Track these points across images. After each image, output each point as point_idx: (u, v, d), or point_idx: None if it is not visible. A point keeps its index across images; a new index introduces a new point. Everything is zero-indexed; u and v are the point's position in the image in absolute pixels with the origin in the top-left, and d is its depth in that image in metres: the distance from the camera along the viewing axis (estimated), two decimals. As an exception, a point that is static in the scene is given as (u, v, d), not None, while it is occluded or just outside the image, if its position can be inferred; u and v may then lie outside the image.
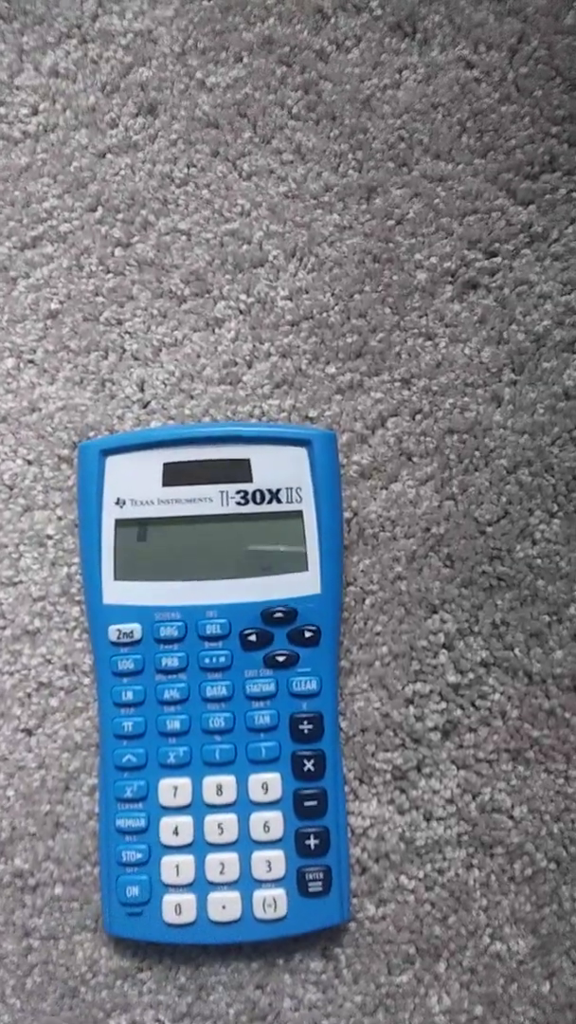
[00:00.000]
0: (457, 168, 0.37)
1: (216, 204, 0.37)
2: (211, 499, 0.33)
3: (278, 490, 0.33)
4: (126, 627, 0.33)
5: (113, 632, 0.32)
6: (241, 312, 0.36)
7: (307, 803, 0.32)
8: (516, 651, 0.35)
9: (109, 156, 0.37)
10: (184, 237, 0.37)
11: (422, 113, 0.37)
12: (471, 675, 0.34)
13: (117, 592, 0.33)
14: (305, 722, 0.32)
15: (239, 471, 0.33)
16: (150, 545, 0.33)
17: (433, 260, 0.37)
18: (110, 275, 0.36)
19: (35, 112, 0.37)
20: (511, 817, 0.34)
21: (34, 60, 0.37)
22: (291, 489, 0.33)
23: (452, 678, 0.34)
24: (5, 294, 0.36)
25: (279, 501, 0.33)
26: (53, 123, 0.37)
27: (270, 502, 0.33)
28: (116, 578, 0.33)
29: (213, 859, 0.32)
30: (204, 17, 0.38)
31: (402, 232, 0.37)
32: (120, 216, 0.37)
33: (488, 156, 0.37)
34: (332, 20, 0.38)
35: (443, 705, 0.34)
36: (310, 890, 0.32)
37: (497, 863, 0.34)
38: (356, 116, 0.37)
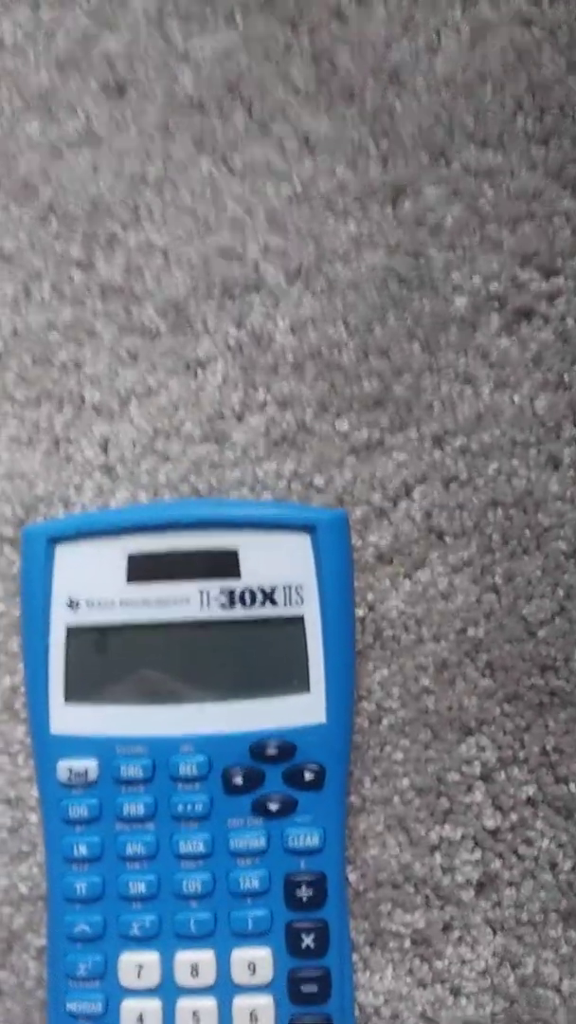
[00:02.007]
0: (510, 159, 0.29)
1: (200, 212, 0.29)
2: (188, 600, 0.26)
3: (273, 589, 0.26)
4: (79, 764, 0.26)
5: (63, 770, 0.26)
6: (230, 350, 0.29)
7: (305, 987, 0.26)
8: (572, 786, 0.28)
9: (66, 152, 0.29)
10: (160, 255, 0.29)
11: (466, 87, 0.29)
12: (514, 816, 0.27)
13: (68, 718, 0.26)
14: (304, 885, 0.26)
15: (224, 565, 0.26)
16: (110, 658, 0.26)
17: (476, 281, 0.29)
18: (66, 305, 0.29)
19: (-26, 94, 0.29)
20: (559, 992, 0.27)
21: (-28, 26, 0.30)
22: (290, 588, 0.26)
23: (490, 820, 0.27)
24: None
25: (274, 603, 0.26)
26: (-4, 108, 0.29)
27: (263, 604, 0.26)
28: (68, 700, 0.26)
29: (187, 1053, 0.26)
30: (186, -34, 0.29)
31: (437, 245, 0.29)
32: (79, 229, 0.29)
33: (550, 143, 0.29)
34: (350, -33, 0.29)
35: (478, 854, 0.27)
36: None
37: (543, 1054, 0.27)
38: (380, 93, 0.29)
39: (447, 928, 0.27)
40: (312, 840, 0.26)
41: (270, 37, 0.29)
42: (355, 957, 0.27)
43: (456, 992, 0.27)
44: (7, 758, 0.28)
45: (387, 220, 0.29)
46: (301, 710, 0.26)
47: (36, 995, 0.27)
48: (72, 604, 0.26)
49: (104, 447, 0.29)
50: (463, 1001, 0.27)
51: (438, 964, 0.27)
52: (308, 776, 0.26)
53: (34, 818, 0.28)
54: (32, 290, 0.29)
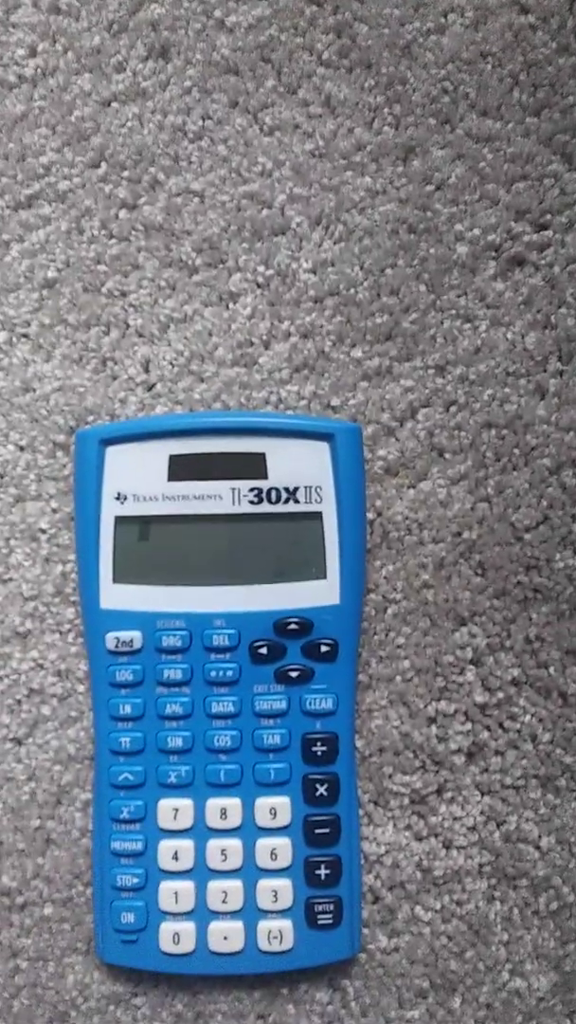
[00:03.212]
0: (507, 127, 0.33)
1: (234, 162, 0.33)
2: (221, 496, 0.30)
3: (296, 488, 0.30)
4: (125, 635, 0.30)
5: (111, 640, 0.30)
6: (259, 286, 0.33)
7: (318, 830, 0.30)
8: (551, 669, 0.32)
9: (115, 105, 0.33)
10: (197, 199, 0.33)
11: (469, 63, 0.33)
12: (500, 694, 0.32)
13: (116, 596, 0.30)
14: (318, 743, 0.30)
15: (253, 466, 0.30)
16: (153, 545, 0.30)
17: (476, 232, 0.33)
18: (114, 240, 0.33)
19: (33, 54, 0.33)
20: (537, 848, 0.31)
21: (33, -8, 0.33)
22: (310, 488, 0.30)
23: (479, 697, 0.32)
24: (-2, 259, 0.33)
25: (296, 501, 0.30)
26: (53, 66, 0.33)
27: (287, 501, 0.30)
28: (115, 580, 0.30)
29: (215, 886, 0.30)
30: (225, -55, 0.33)
31: (442, 199, 0.33)
32: (126, 174, 0.33)
33: (542, 114, 0.33)
34: (370, -48, 0.33)
35: (468, 726, 0.32)
36: (319, 922, 0.30)
37: (520, 896, 0.31)
38: (394, 64, 0.33)
39: (441, 790, 0.31)
40: (326, 704, 0.30)
41: (298, 11, 0.33)
42: (361, 813, 0.31)
43: (448, 845, 0.31)
44: (59, 635, 0.31)
45: (398, 176, 0.33)
46: (318, 593, 0.30)
47: (81, 843, 0.31)
48: (120, 498, 0.30)
49: (146, 367, 0.32)
50: (454, 853, 0.31)
51: (432, 820, 0.31)
52: (324, 649, 0.30)
53: (81, 688, 0.31)
54: (83, 226, 0.33)
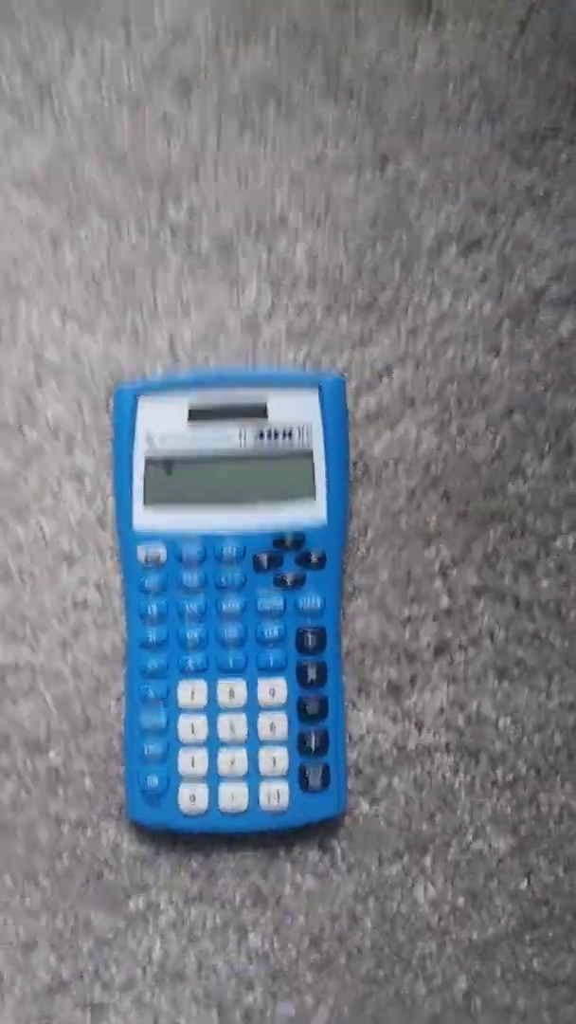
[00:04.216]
0: (465, 137, 0.40)
1: (242, 175, 0.40)
2: (231, 437, 0.37)
3: (291, 429, 0.37)
4: (152, 549, 0.37)
5: (141, 553, 0.37)
6: (262, 271, 0.40)
7: (309, 708, 0.36)
8: (505, 579, 0.38)
9: (147, 131, 0.41)
10: (213, 203, 0.40)
11: (434, 87, 0.40)
12: (462, 600, 0.38)
13: (146, 519, 0.37)
14: (309, 635, 0.36)
15: (256, 412, 0.37)
16: (176, 478, 0.37)
17: (440, 222, 0.40)
18: (146, 240, 0.40)
19: (84, 98, 0.41)
20: (495, 728, 0.37)
21: (83, 48, 0.42)
22: (303, 428, 0.37)
23: (445, 602, 0.38)
24: (54, 258, 0.40)
25: (291, 439, 0.37)
26: (97, 103, 0.41)
27: (284, 440, 0.37)
28: (145, 506, 0.37)
29: (225, 755, 0.36)
30: (237, 7, 0.41)
31: (412, 196, 0.40)
32: (156, 188, 0.41)
33: (495, 125, 0.40)
34: (352, 5, 0.41)
35: (436, 626, 0.38)
36: (310, 784, 0.36)
37: (481, 769, 0.37)
38: (373, 91, 0.41)
39: (413, 680, 0.37)
40: (316, 604, 0.36)
41: (295, 51, 0.41)
42: (345, 700, 0.37)
43: (420, 726, 0.37)
44: (98, 557, 0.39)
45: (376, 179, 0.40)
46: (309, 513, 0.37)
47: (115, 728, 0.38)
48: (149, 439, 0.37)
49: (170, 340, 0.40)
50: (424, 732, 0.37)
51: (406, 705, 0.37)
52: (314, 559, 0.36)
53: (116, 600, 0.38)
54: (121, 227, 0.40)
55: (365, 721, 0.37)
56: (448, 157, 0.40)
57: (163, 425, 0.37)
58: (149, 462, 0.37)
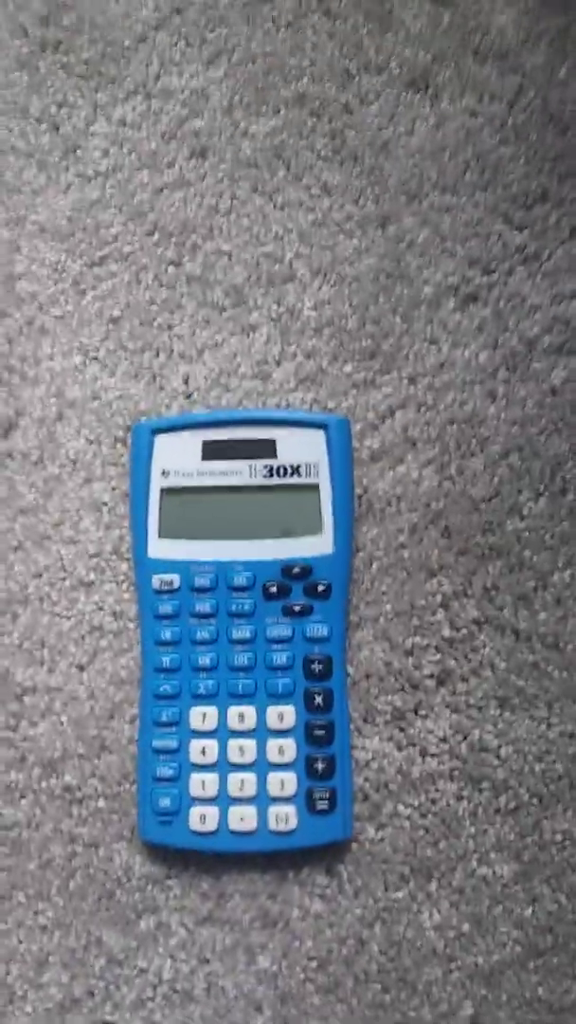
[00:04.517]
0: (461, 200, 0.43)
1: (254, 230, 0.43)
2: (242, 472, 0.39)
3: (299, 466, 0.39)
4: (167, 577, 0.38)
5: (156, 581, 0.38)
6: (272, 320, 0.43)
7: (316, 732, 0.37)
8: (505, 611, 0.39)
9: (165, 191, 0.44)
10: (226, 257, 0.43)
11: (432, 154, 0.44)
12: (464, 631, 0.39)
13: (160, 548, 0.39)
14: (316, 663, 0.38)
15: (266, 449, 0.39)
16: (189, 509, 0.39)
17: (438, 277, 0.43)
18: (163, 288, 0.43)
19: (106, 155, 0.44)
20: (498, 756, 0.38)
21: (106, 112, 0.45)
22: (310, 465, 0.39)
23: (447, 633, 0.39)
24: (76, 303, 0.43)
25: (299, 475, 0.39)
26: (120, 164, 0.44)
27: (292, 476, 0.39)
28: (160, 536, 0.39)
29: (234, 777, 0.37)
30: (249, 77, 0.45)
31: (412, 254, 0.43)
32: (173, 240, 0.43)
33: (488, 190, 0.43)
34: (356, 78, 0.45)
35: (439, 656, 0.39)
36: (317, 808, 0.37)
37: (484, 796, 0.38)
38: (375, 158, 0.44)
39: (417, 708, 0.39)
40: (323, 632, 0.38)
41: (303, 122, 0.44)
42: (352, 727, 0.38)
43: (423, 753, 0.38)
44: (115, 584, 0.40)
45: (378, 238, 0.43)
46: (316, 545, 0.38)
47: (128, 749, 0.39)
48: (165, 473, 0.39)
49: (186, 381, 0.42)
50: (429, 760, 0.38)
51: (411, 732, 0.39)
52: (320, 588, 0.38)
53: (131, 626, 0.40)
54: (141, 278, 0.43)
55: (371, 747, 0.38)
56: (445, 218, 0.43)
57: (178, 460, 0.39)
58: (164, 494, 0.39)
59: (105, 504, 0.41)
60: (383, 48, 0.45)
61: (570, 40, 0.45)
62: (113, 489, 0.41)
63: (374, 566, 0.40)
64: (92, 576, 0.40)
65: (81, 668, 0.39)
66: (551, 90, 0.44)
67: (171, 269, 0.43)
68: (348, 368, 0.42)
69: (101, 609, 0.40)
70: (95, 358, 0.42)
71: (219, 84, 0.45)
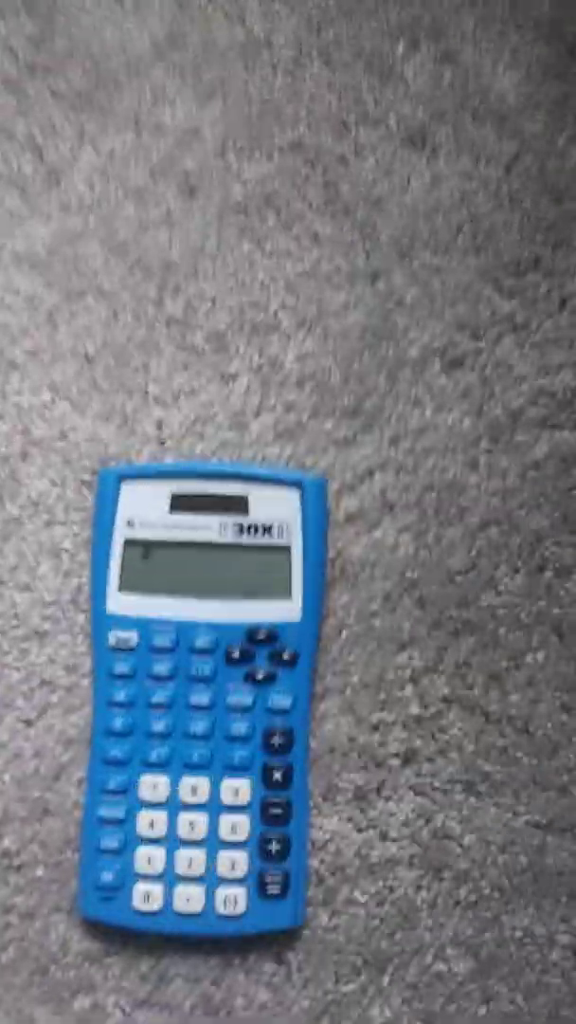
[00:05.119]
0: (452, 262, 0.43)
1: (239, 276, 0.42)
2: (211, 528, 0.37)
3: (271, 525, 0.37)
4: (124, 634, 0.36)
5: (112, 638, 0.36)
6: (253, 369, 0.41)
7: (272, 810, 0.35)
8: (475, 690, 0.38)
9: (151, 229, 0.42)
10: (209, 302, 0.42)
11: (425, 214, 0.43)
12: (433, 709, 0.38)
13: (120, 603, 0.37)
14: (277, 735, 0.36)
15: (238, 505, 0.37)
16: (153, 563, 0.37)
17: (425, 338, 0.42)
18: (141, 328, 0.41)
19: (91, 186, 0.43)
20: (460, 845, 0.37)
21: (94, 143, 0.43)
22: (283, 525, 0.37)
23: (415, 710, 0.38)
24: (49, 337, 0.41)
25: (271, 535, 0.37)
26: (105, 197, 0.43)
27: (263, 535, 0.37)
28: (120, 590, 0.37)
29: (183, 854, 0.35)
30: (244, 119, 0.44)
31: (400, 312, 0.42)
32: (155, 279, 0.42)
33: (480, 254, 0.43)
34: (353, 131, 0.44)
35: (405, 734, 0.37)
36: (268, 892, 0.35)
37: (444, 886, 0.36)
38: (367, 212, 0.43)
39: (379, 788, 0.37)
40: (285, 703, 0.36)
41: (296, 170, 0.43)
42: (311, 804, 0.36)
43: (384, 837, 0.37)
44: (70, 636, 0.38)
45: (367, 294, 0.42)
46: (284, 610, 0.37)
47: (73, 815, 0.36)
48: (129, 523, 0.37)
49: (159, 426, 0.40)
50: (389, 844, 0.37)
51: (371, 814, 0.37)
52: (286, 656, 0.36)
53: (84, 682, 0.37)
54: (119, 316, 0.41)
55: (329, 828, 0.36)
56: (435, 279, 0.42)
57: (144, 510, 0.37)
58: (127, 546, 0.37)
59: (65, 550, 0.39)
60: (382, 102, 0.44)
61: (570, 109, 0.45)
62: (75, 535, 0.39)
63: (343, 634, 0.38)
64: (47, 626, 0.38)
65: (28, 723, 0.37)
66: (548, 158, 0.44)
67: (151, 309, 0.42)
68: (328, 424, 0.41)
69: (53, 662, 0.38)
70: (66, 396, 0.41)
71: (213, 124, 0.44)
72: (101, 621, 0.37)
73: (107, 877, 0.35)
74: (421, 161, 0.44)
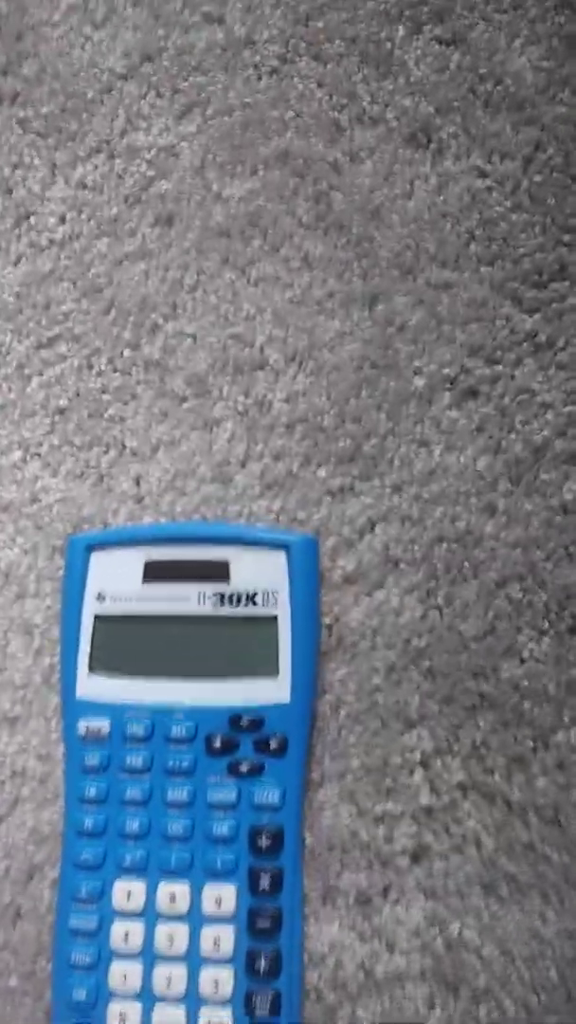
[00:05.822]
0: (463, 276, 0.37)
1: (222, 309, 0.38)
2: (189, 598, 0.33)
3: (255, 593, 0.33)
4: (95, 723, 0.33)
5: (82, 727, 0.33)
6: (238, 414, 0.37)
7: (260, 922, 0.31)
8: (496, 776, 0.33)
9: (125, 263, 0.39)
10: (189, 340, 0.38)
11: (431, 222, 0.38)
12: (446, 798, 0.33)
13: (90, 686, 0.33)
14: (264, 836, 0.32)
15: (218, 572, 0.33)
16: (125, 641, 0.33)
17: (432, 367, 0.36)
18: (117, 374, 0.38)
19: (62, 222, 0.39)
20: (479, 956, 0.32)
21: (65, 174, 0.40)
22: (268, 593, 0.33)
23: (425, 799, 0.33)
24: (19, 391, 0.38)
25: (255, 604, 0.33)
26: (77, 232, 0.39)
27: (246, 605, 0.33)
28: (90, 672, 0.33)
29: (161, 971, 0.31)
30: (225, 132, 0.39)
31: (402, 339, 0.37)
32: (131, 319, 0.38)
33: (495, 264, 0.37)
34: (347, 132, 0.39)
35: (414, 828, 0.33)
36: (256, 1015, 0.31)
37: (461, 1005, 0.32)
38: (364, 226, 0.38)
39: (386, 890, 0.33)
40: (274, 798, 0.32)
41: (283, 183, 0.39)
42: (307, 910, 0.32)
43: (391, 948, 0.32)
44: (43, 721, 0.35)
45: (364, 320, 0.37)
46: (271, 691, 0.32)
47: (48, 919, 0.33)
48: (100, 597, 0.34)
49: (137, 482, 0.37)
50: (397, 956, 0.32)
51: (376, 921, 0.32)
52: (273, 745, 0.32)
53: (58, 772, 0.34)
54: (93, 362, 0.38)
55: (328, 937, 0.32)
56: (443, 298, 0.37)
57: (116, 582, 0.34)
58: (98, 622, 0.34)
59: (37, 626, 0.36)
60: (379, 96, 0.39)
61: (600, 87, 0.38)
62: (47, 608, 0.36)
63: (342, 712, 0.34)
64: (18, 710, 0.35)
65: (-1, 818, 0.34)
66: (572, 148, 0.38)
67: (127, 352, 0.38)
68: (322, 473, 0.36)
69: (25, 751, 0.35)
70: (37, 454, 0.37)
71: (191, 141, 0.39)
72: (71, 707, 0.33)
73: (80, 995, 0.31)
74: (425, 162, 0.39)
